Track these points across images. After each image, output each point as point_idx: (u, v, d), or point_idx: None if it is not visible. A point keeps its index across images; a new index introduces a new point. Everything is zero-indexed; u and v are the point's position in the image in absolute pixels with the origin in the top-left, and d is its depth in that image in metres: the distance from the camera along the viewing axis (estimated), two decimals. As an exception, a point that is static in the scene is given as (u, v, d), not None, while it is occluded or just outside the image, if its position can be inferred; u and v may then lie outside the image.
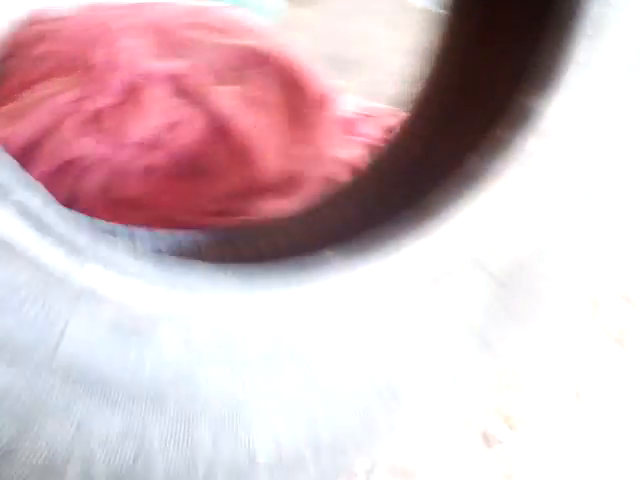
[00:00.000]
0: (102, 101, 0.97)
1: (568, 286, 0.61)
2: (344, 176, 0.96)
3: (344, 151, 1.04)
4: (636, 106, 0.60)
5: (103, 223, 0.68)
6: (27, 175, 0.49)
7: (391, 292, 0.55)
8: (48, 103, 0.95)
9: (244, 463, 0.53)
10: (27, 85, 1.00)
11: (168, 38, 1.05)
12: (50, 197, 0.50)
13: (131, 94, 0.98)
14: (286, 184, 0.95)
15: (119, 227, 0.70)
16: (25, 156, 0.90)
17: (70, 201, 0.89)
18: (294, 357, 0.54)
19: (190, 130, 0.97)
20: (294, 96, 1.02)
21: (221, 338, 0.51)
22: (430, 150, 0.75)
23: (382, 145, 0.85)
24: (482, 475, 1.64)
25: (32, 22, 1.11)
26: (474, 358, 0.59)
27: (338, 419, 0.56)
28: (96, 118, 0.96)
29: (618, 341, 2.02)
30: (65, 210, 0.52)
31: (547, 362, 1.85)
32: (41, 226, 0.46)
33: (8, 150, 0.49)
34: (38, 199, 0.48)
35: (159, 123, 0.97)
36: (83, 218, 0.61)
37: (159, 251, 0.69)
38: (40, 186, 0.50)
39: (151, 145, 0.97)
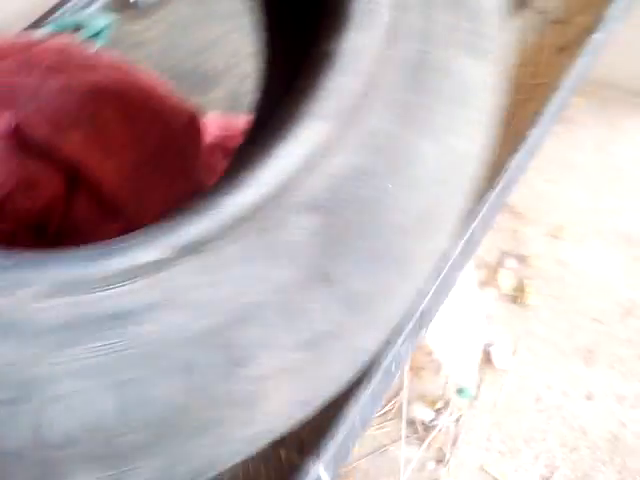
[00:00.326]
0: None
1: (403, 215, 0.62)
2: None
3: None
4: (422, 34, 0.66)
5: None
6: None
7: (219, 245, 0.55)
8: None
9: (46, 452, 0.48)
10: None
11: (-5, 86, 0.91)
12: None
13: (-35, 159, 0.84)
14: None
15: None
16: None
17: None
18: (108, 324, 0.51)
19: (44, 189, 0.85)
20: (155, 128, 0.91)
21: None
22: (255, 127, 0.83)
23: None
24: (419, 462, 1.63)
25: None
26: (323, 298, 0.56)
27: (168, 393, 0.50)
28: None
29: (514, 299, 2.08)
30: None
31: (455, 331, 1.86)
32: None
33: None
34: None
35: (6, 187, 0.84)
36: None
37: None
38: None
39: (1, 213, 0.84)
